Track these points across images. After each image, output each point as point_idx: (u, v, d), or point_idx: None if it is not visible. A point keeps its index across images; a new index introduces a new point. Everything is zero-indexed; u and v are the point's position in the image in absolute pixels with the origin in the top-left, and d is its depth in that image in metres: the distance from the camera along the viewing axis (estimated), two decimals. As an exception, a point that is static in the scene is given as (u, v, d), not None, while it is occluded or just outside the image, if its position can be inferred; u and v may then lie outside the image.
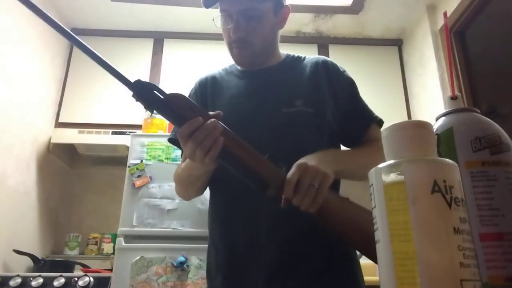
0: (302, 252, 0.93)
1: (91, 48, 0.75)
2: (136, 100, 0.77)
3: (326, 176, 0.81)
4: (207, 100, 1.11)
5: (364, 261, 0.99)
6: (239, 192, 0.96)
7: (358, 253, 0.97)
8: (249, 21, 1.01)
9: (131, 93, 0.78)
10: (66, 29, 0.75)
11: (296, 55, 1.15)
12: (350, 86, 1.09)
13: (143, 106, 0.78)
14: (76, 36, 0.76)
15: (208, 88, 1.12)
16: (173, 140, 1.08)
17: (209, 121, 0.75)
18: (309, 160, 0.83)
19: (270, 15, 1.04)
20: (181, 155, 1.14)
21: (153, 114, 0.76)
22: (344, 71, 1.11)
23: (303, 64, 1.10)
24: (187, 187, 1.06)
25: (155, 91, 0.77)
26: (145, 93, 0.76)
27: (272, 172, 0.80)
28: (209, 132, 0.74)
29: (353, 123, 1.06)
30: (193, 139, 0.75)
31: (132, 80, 0.77)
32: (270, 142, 0.97)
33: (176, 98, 0.78)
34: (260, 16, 1.02)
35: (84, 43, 0.75)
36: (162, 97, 0.77)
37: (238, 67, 1.14)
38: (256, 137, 0.94)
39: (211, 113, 0.79)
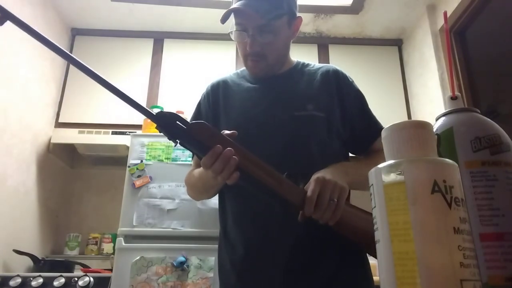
0: (317, 247, 0.95)
1: (116, 86, 0.77)
2: (160, 132, 0.79)
3: (344, 190, 0.85)
4: (219, 104, 1.13)
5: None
6: None
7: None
8: (265, 36, 1.03)
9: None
10: (94, 71, 0.76)
11: (306, 62, 1.18)
12: (359, 98, 1.12)
13: (167, 137, 0.80)
14: (100, 74, 0.77)
15: (220, 92, 1.14)
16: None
17: (225, 151, 0.78)
18: (325, 173, 0.87)
19: (285, 28, 1.06)
20: (192, 157, 1.17)
21: (177, 145, 0.78)
22: (353, 81, 1.14)
23: (313, 71, 1.14)
24: (201, 193, 1.11)
25: (177, 121, 0.78)
26: (168, 124, 0.78)
27: (293, 191, 0.83)
28: (226, 164, 0.79)
29: (361, 133, 1.09)
30: (212, 170, 0.80)
31: (154, 112, 0.79)
32: (281, 144, 0.99)
33: (198, 126, 0.80)
34: (275, 31, 1.04)
35: (107, 80, 0.76)
36: (185, 127, 0.79)
37: None
38: (268, 139, 0.97)
39: (226, 132, 0.83)
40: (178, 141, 0.80)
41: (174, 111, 0.80)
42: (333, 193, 0.83)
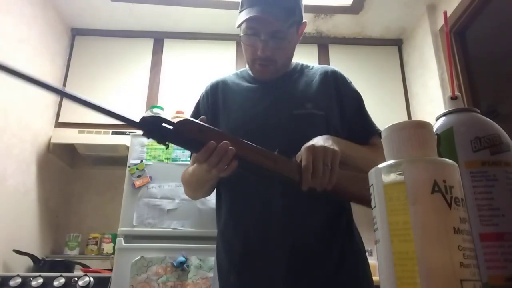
0: (317, 247, 0.95)
1: (95, 103, 0.76)
2: (148, 138, 0.79)
3: (336, 153, 0.86)
4: (218, 104, 1.13)
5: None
6: (250, 188, 0.98)
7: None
8: (277, 42, 1.04)
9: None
10: (57, 87, 0.77)
11: (305, 63, 1.19)
12: (356, 99, 1.13)
13: (156, 142, 0.79)
14: (69, 92, 0.76)
15: (220, 92, 1.15)
16: None
17: (221, 144, 0.78)
18: (315, 141, 0.88)
19: (294, 34, 1.08)
20: (190, 156, 1.17)
21: (168, 147, 0.79)
22: (351, 82, 1.15)
23: (312, 72, 1.15)
24: (196, 189, 1.11)
25: (163, 124, 0.78)
26: (154, 128, 0.78)
27: (289, 166, 0.84)
28: (222, 157, 0.79)
29: (358, 132, 1.09)
30: (208, 163, 0.80)
31: (138, 119, 0.78)
32: (281, 143, 0.99)
33: (184, 124, 0.80)
34: (287, 38, 1.05)
35: (78, 96, 0.75)
36: (171, 127, 0.78)
37: (250, 73, 1.16)
38: (269, 139, 0.98)
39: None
40: (168, 143, 0.80)
41: (174, 111, 0.80)
42: (326, 158, 0.84)
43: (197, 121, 0.82)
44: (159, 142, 0.79)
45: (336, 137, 0.97)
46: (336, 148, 0.87)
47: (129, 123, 0.78)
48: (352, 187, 0.88)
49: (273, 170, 0.83)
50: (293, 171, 0.84)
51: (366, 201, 0.86)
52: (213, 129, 0.82)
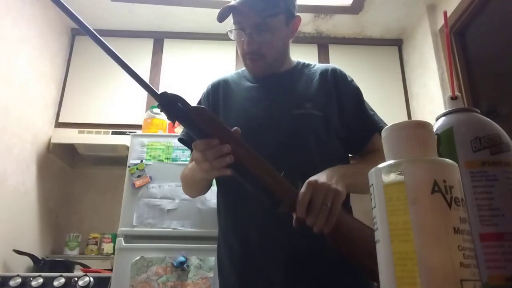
0: (314, 245, 0.94)
1: (124, 60, 0.80)
2: (161, 111, 0.80)
3: (338, 194, 0.80)
4: (219, 103, 1.13)
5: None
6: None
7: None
8: (262, 35, 1.03)
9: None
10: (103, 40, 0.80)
11: (306, 62, 1.18)
12: (356, 96, 1.12)
13: (166, 117, 0.80)
14: (111, 47, 0.80)
15: (221, 91, 1.15)
16: (182, 140, 1.12)
17: (223, 146, 0.77)
18: (319, 177, 0.83)
19: (282, 27, 1.07)
20: (190, 155, 1.18)
21: (175, 125, 0.79)
22: (352, 80, 1.14)
23: (312, 71, 1.14)
24: (192, 187, 1.11)
25: (178, 103, 0.79)
26: (169, 104, 0.78)
27: (286, 191, 0.79)
28: (218, 156, 0.77)
29: (357, 131, 1.08)
30: (203, 154, 0.79)
31: (159, 92, 0.79)
32: (281, 143, 1.00)
33: (197, 110, 0.80)
34: (272, 30, 1.04)
35: (117, 54, 0.80)
36: (184, 109, 0.79)
37: None
38: (268, 139, 0.98)
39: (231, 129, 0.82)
40: (176, 122, 0.79)
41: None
42: (327, 197, 0.78)
43: (212, 113, 0.82)
44: (169, 118, 0.79)
45: (344, 169, 0.92)
46: (340, 187, 0.81)
47: (150, 92, 0.79)
48: (354, 239, 0.79)
49: (266, 187, 0.78)
50: (288, 198, 0.79)
51: (368, 270, 0.73)
52: (223, 126, 0.80)
